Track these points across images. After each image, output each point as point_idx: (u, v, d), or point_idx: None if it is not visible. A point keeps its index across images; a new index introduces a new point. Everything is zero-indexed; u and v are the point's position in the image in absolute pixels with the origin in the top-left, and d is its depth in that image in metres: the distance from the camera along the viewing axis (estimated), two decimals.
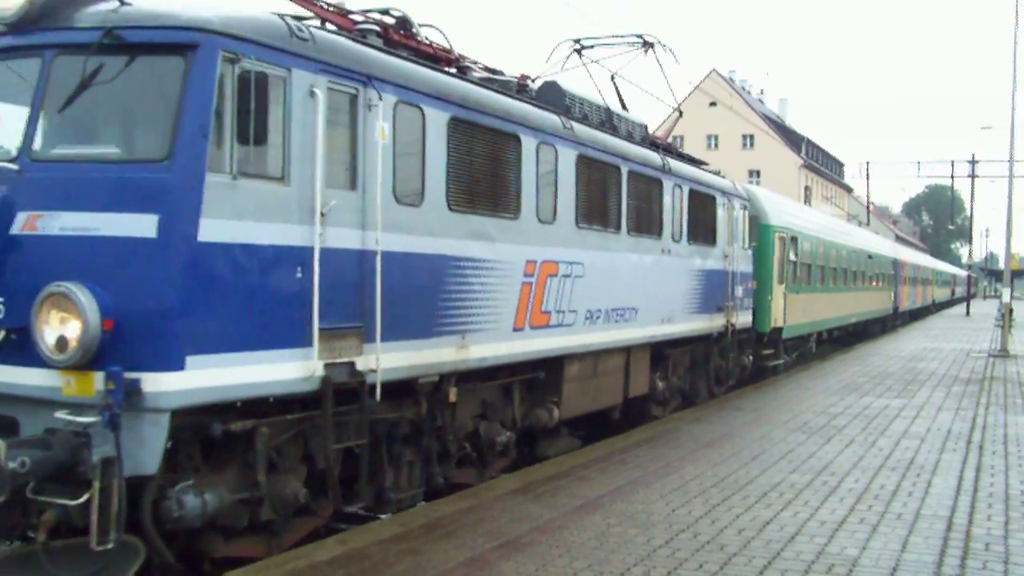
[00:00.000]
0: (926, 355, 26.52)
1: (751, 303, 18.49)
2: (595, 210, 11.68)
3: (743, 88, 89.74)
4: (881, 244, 40.88)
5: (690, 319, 14.99)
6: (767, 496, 8.94)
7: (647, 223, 13.27)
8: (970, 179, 58.50)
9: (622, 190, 12.40)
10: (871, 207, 70.45)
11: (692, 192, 15.06)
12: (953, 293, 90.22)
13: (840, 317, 28.65)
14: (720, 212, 16.59)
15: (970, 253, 67.05)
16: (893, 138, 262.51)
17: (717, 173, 17.82)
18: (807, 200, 74.47)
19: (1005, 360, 25.12)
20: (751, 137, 79.86)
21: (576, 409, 11.56)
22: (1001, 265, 34.60)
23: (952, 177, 62.64)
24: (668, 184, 14.05)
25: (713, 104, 69.35)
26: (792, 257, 21.62)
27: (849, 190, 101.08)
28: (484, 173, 9.38)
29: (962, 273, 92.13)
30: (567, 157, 10.91)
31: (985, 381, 19.64)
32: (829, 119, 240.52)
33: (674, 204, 14.30)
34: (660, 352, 14.30)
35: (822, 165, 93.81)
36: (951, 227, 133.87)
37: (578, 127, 11.34)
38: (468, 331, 8.91)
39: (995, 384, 19.11)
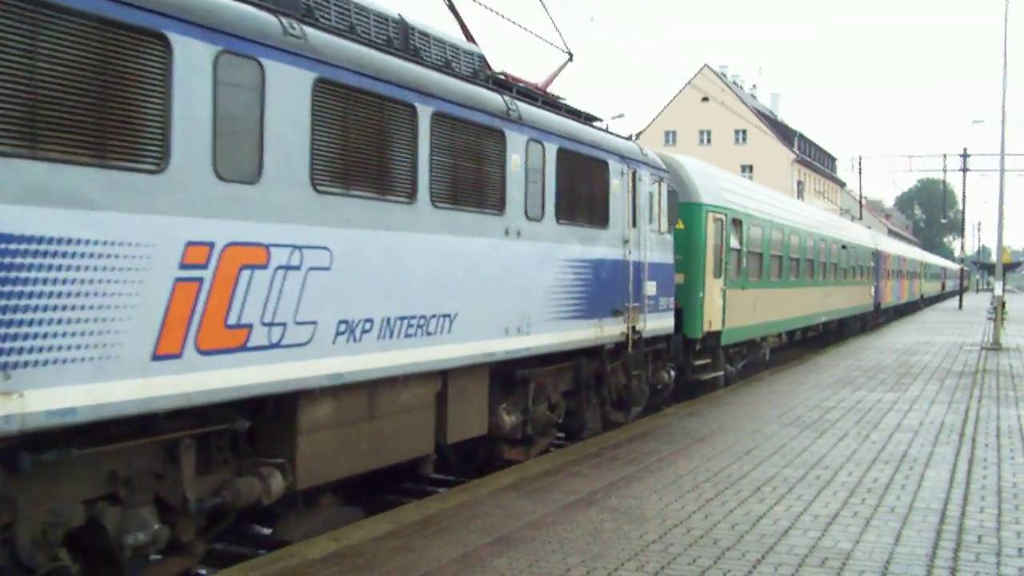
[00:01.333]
0: (919, 348, 26.57)
1: (672, 303, 14.50)
2: (360, 167, 7.66)
3: (735, 83, 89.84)
4: (858, 233, 36.67)
5: (563, 327, 11.00)
6: (760, 490, 8.94)
7: (476, 192, 9.29)
8: (962, 173, 58.70)
9: (419, 140, 8.33)
10: (863, 201, 70.58)
11: (565, 153, 10.97)
12: (944, 287, 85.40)
13: (805, 316, 24.74)
14: (615, 183, 12.35)
15: (962, 246, 67.12)
16: (885, 132, 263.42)
17: (630, 139, 14.04)
18: (799, 195, 74.68)
19: (998, 353, 25.19)
20: (743, 132, 79.98)
21: (331, 470, 7.66)
22: (993, 258, 34.65)
23: (944, 171, 62.88)
24: (517, 139, 9.98)
25: (705, 99, 69.49)
26: (735, 244, 17.68)
27: (842, 184, 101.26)
28: (68, 90, 5.44)
29: (953, 266, 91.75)
30: (291, 80, 7.00)
31: (978, 374, 19.67)
32: (821, 114, 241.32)
33: (529, 167, 10.23)
34: (511, 375, 10.44)
35: (814, 160, 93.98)
36: (943, 221, 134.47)
37: (318, 37, 7.36)
38: (19, 364, 5.15)
39: (988, 377, 19.14)
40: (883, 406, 14.73)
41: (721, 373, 17.39)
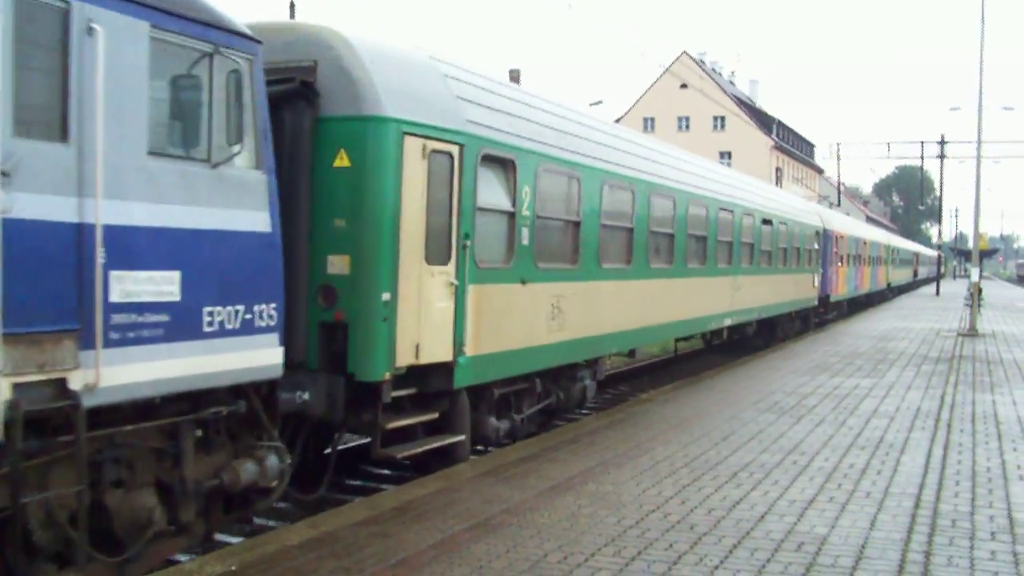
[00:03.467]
0: (896, 335, 26.73)
1: (271, 315, 7.10)
2: None
3: (714, 70, 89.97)
4: (795, 206, 28.14)
5: None
6: (737, 476, 8.98)
7: None
8: (939, 160, 59.05)
9: None
10: (842, 188, 70.87)
11: None
12: (916, 274, 76.81)
13: (689, 321, 17.16)
14: None
15: (940, 233, 67.64)
16: (863, 120, 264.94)
17: None
18: (778, 181, 74.86)
19: (974, 339, 25.39)
20: (722, 119, 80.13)
21: None
22: (971, 245, 34.84)
23: (922, 158, 63.21)
24: None
25: (684, 86, 69.44)
26: (505, 204, 10.33)
27: (820, 171, 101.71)
28: None
29: (927, 251, 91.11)
30: None
31: (954, 360, 19.83)
32: (800, 101, 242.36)
33: None
34: None
35: (793, 146, 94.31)
36: (921, 208, 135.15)
37: None
38: None
39: (964, 363, 19.30)
40: (860, 392, 14.82)
41: (460, 438, 9.70)
